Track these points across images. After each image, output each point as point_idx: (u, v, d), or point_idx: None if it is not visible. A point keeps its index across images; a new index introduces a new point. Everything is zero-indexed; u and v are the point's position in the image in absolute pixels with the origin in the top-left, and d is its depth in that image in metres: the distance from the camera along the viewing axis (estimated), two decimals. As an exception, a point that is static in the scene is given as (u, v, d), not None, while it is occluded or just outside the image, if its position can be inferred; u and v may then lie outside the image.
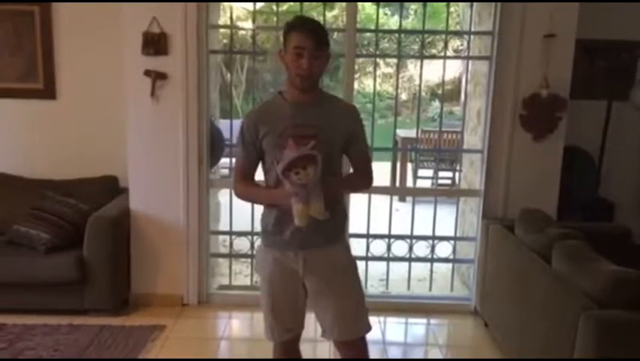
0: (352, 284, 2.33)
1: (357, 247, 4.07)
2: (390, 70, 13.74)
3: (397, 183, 7.24)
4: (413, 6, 10.84)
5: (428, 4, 4.08)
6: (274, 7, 4.15)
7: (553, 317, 2.57)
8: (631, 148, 4.23)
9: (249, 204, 3.96)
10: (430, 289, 4.20)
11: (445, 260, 4.20)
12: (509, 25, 3.61)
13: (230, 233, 4.10)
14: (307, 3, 6.17)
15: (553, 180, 3.74)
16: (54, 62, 4.08)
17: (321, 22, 2.49)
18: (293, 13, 5.87)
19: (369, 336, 2.35)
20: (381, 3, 4.43)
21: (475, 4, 3.96)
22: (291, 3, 6.45)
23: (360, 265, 4.02)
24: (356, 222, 4.04)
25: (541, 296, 2.74)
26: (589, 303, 2.32)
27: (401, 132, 7.21)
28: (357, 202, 3.97)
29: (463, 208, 4.36)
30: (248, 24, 5.72)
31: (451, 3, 4.10)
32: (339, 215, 2.28)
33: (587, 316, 2.24)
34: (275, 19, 4.12)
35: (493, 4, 3.67)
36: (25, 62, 4.08)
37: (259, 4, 4.24)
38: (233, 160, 4.80)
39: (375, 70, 4.44)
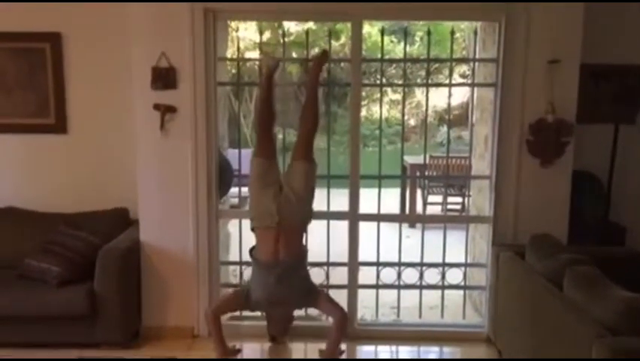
0: None
1: (367, 276, 4.06)
2: (399, 96, 13.81)
3: (407, 210, 7.24)
4: (419, 33, 10.96)
5: (433, 31, 4.12)
6: (280, 39, 4.22)
7: (566, 344, 2.54)
8: (640, 171, 4.20)
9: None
10: (442, 316, 4.15)
11: (456, 287, 4.15)
12: (513, 51, 3.64)
13: (240, 263, 4.09)
14: (314, 33, 6.28)
15: (562, 205, 3.72)
16: (65, 97, 4.17)
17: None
18: (299, 44, 5.97)
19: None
20: (387, 31, 4.48)
21: (478, 32, 4.00)
22: (298, 34, 6.56)
23: (371, 293, 4.06)
24: (366, 251, 4.03)
25: (553, 323, 2.71)
26: (602, 330, 2.29)
27: (410, 159, 7.21)
28: (365, 230, 3.97)
29: (472, 234, 4.34)
30: (255, 54, 5.80)
31: (456, 30, 4.14)
32: None
33: (600, 343, 2.21)
34: (281, 50, 4.20)
35: (497, 31, 3.71)
36: (37, 98, 4.16)
37: (265, 36, 4.31)
38: (243, 189, 4.86)
39: (381, 98, 4.49)
